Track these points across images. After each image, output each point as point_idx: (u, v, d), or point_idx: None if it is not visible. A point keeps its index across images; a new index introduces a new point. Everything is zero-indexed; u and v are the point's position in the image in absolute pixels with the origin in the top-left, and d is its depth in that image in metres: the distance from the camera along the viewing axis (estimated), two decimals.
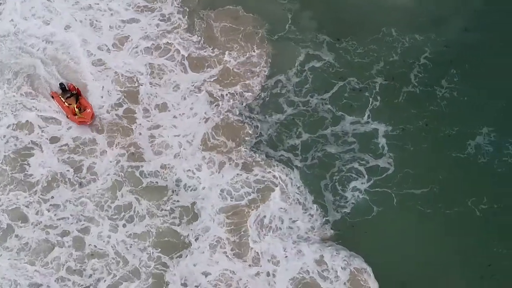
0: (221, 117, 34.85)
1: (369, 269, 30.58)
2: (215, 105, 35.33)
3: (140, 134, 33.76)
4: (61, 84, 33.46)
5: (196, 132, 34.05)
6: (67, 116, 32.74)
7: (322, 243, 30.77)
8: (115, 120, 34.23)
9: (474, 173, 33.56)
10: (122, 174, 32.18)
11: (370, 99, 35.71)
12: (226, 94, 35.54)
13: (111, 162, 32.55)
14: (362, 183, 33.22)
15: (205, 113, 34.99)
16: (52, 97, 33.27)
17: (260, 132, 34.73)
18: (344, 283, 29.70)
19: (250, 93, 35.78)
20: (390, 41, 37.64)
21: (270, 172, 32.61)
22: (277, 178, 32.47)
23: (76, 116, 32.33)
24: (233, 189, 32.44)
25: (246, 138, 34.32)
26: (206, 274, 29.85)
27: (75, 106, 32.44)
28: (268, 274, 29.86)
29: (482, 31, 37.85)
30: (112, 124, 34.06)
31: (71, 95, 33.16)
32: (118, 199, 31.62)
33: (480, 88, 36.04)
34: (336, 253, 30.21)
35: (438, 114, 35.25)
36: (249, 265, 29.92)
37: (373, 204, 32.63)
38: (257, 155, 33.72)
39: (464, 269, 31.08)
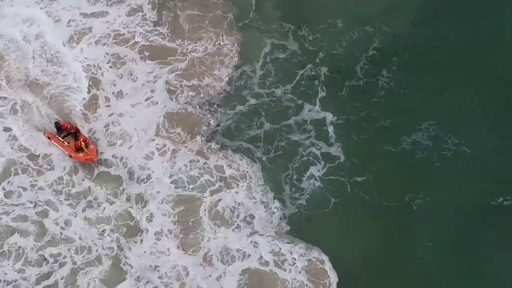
0: (179, 108, 36.22)
1: (326, 259, 31.51)
2: (175, 96, 36.72)
3: (96, 121, 34.69)
4: (56, 123, 32.75)
5: (152, 122, 35.00)
6: (70, 156, 31.98)
7: (279, 236, 31.91)
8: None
9: (411, 167, 35.25)
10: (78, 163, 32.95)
11: (319, 88, 37.51)
12: (187, 86, 36.83)
13: None
14: (318, 170, 34.84)
15: (163, 104, 36.32)
16: (49, 138, 32.28)
17: (219, 123, 36.10)
18: (300, 272, 30.73)
19: (215, 84, 37.15)
20: (340, 31, 39.30)
21: (227, 162, 33.86)
22: (234, 169, 33.68)
23: (81, 154, 31.67)
24: (187, 179, 33.12)
25: (204, 128, 35.62)
26: (155, 267, 31.01)
27: (81, 141, 31.70)
28: (221, 269, 30.82)
29: (428, 25, 39.87)
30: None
31: (68, 134, 32.66)
32: (75, 186, 32.79)
33: (423, 82, 37.97)
34: (293, 245, 31.36)
35: (380, 106, 37.13)
36: (202, 260, 30.94)
37: (328, 193, 34.25)
38: (213, 144, 35.07)
39: (402, 262, 32.78)
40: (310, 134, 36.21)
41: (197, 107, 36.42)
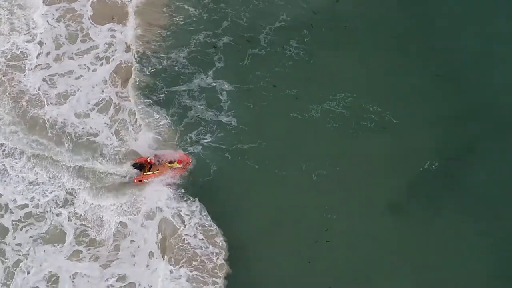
0: None
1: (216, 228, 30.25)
2: None
3: None
4: (134, 165, 31.88)
5: None
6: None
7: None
8: None
9: (317, 137, 32.43)
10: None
11: (217, 56, 34.78)
12: None
13: None
14: (209, 137, 32.46)
15: None
16: (140, 181, 31.54)
17: None
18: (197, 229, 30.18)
19: None
20: (248, 1, 36.50)
21: None
22: None
23: (174, 168, 31.63)
24: None
25: None
26: None
27: (169, 164, 31.54)
28: None
29: (353, 3, 37.14)
30: None
31: (150, 166, 31.72)
32: None
33: (339, 56, 35.16)
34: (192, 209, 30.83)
35: (286, 75, 34.27)
36: None
37: (214, 160, 31.88)
38: None
39: (301, 233, 30.07)
40: (204, 101, 33.55)
41: None
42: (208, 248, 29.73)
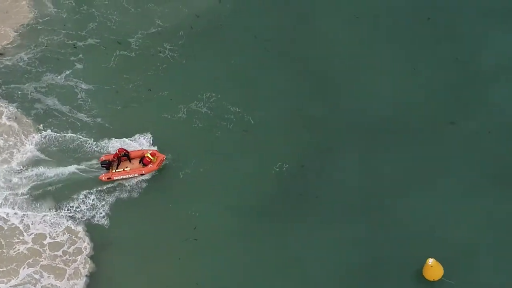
0: None
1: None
2: None
3: None
4: (102, 163, 29.94)
5: None
6: (142, 174, 29.80)
7: None
8: None
9: (184, 137, 31.01)
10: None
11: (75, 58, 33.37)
12: None
13: None
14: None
15: None
16: (109, 178, 29.72)
17: None
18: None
19: None
20: (123, 7, 35.22)
21: None
22: None
23: (151, 164, 29.70)
24: None
25: None
26: None
27: (147, 156, 29.55)
28: None
29: (236, 3, 35.75)
30: None
31: (119, 160, 30.00)
32: None
33: (210, 57, 33.73)
34: None
35: (159, 78, 32.89)
36: None
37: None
38: None
39: (170, 232, 28.37)
40: (56, 98, 32.04)
41: None
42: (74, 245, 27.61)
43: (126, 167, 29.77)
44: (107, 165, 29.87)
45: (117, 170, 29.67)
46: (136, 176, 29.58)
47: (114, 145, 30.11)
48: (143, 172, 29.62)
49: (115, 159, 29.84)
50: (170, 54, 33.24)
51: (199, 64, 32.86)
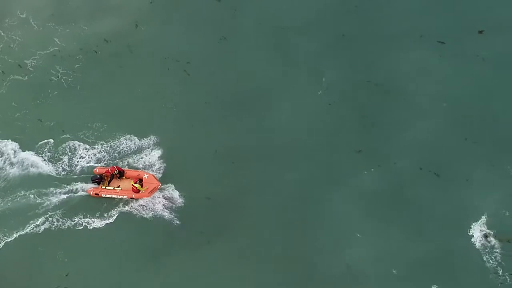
0: None
1: None
2: None
3: None
4: (93, 178, 29.29)
5: None
6: (132, 198, 28.74)
7: None
8: None
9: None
10: None
11: None
12: None
13: None
14: None
15: None
16: (96, 194, 28.85)
17: None
18: None
19: None
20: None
21: None
22: None
23: (143, 191, 28.61)
24: None
25: None
26: None
27: (133, 184, 28.43)
28: None
29: (151, 26, 34.10)
30: None
31: (112, 177, 29.20)
32: None
33: (102, 85, 32.07)
34: None
35: (50, 105, 31.57)
36: None
37: None
38: None
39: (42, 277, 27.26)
40: None
41: None
42: None
43: (118, 186, 28.83)
44: (98, 179, 29.11)
45: (107, 187, 28.81)
46: (126, 199, 28.60)
47: None
48: (133, 197, 28.57)
49: (107, 175, 29.05)
50: (64, 78, 31.79)
51: (96, 92, 31.29)
